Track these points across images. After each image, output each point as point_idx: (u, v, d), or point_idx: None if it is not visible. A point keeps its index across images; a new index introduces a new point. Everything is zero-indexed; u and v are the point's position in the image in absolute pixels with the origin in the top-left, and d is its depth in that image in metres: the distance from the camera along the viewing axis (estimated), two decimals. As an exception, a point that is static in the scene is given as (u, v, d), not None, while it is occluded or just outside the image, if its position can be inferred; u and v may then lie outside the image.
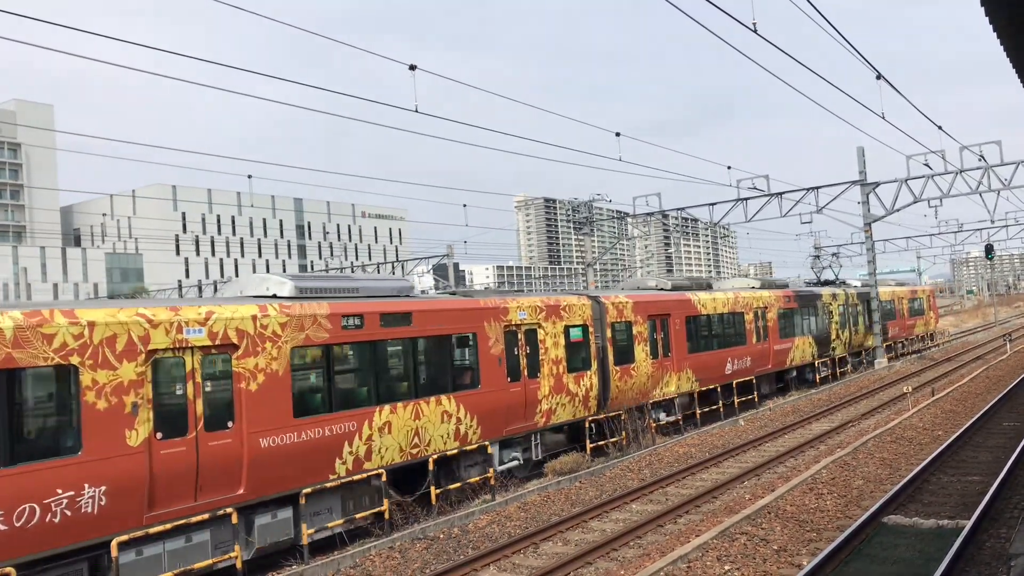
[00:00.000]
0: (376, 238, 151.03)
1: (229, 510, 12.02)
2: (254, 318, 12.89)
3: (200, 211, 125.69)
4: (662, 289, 26.51)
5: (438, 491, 15.69)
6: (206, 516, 11.79)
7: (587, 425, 20.27)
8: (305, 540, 13.13)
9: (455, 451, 16.16)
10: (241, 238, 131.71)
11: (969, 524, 11.70)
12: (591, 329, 20.58)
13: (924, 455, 17.91)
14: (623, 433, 21.05)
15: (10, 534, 9.78)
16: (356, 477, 14.10)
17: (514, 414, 17.91)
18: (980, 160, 37.56)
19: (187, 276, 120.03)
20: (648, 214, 48.13)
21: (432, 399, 15.84)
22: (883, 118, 24.78)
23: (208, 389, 12.20)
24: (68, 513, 10.27)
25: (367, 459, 14.35)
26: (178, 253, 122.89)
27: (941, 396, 26.53)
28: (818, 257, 49.53)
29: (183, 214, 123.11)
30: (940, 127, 31.28)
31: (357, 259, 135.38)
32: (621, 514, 15.28)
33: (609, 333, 21.19)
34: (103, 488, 10.63)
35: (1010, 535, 11.63)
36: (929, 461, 16.42)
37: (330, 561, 12.83)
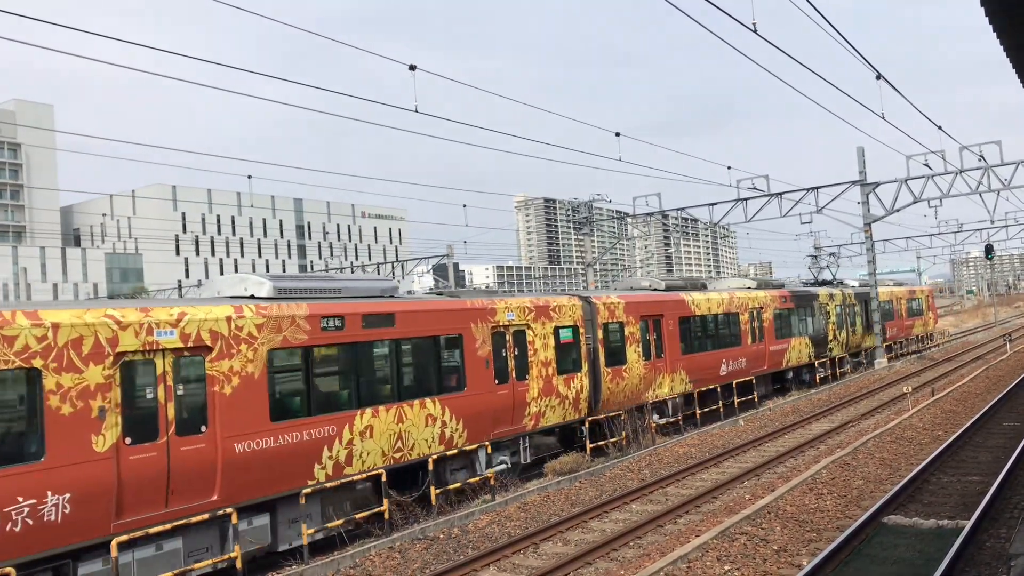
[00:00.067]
0: (376, 238, 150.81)
1: (204, 516, 11.71)
2: (229, 319, 12.56)
3: (200, 211, 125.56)
4: (655, 289, 26.18)
5: (438, 491, 15.59)
6: (178, 523, 11.47)
7: (586, 426, 20.08)
8: (305, 540, 13.02)
9: (440, 455, 15.85)
10: (241, 238, 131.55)
11: (969, 524, 11.66)
12: (582, 330, 20.25)
13: (924, 455, 17.82)
14: (623, 433, 20.86)
15: (-33, 544, 9.45)
16: (334, 483, 13.79)
17: (502, 417, 17.58)
18: (980, 160, 37.37)
19: (187, 276, 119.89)
20: (648, 214, 47.87)
21: (416, 402, 15.51)
22: (883, 118, 24.59)
23: (180, 392, 11.86)
24: (30, 522, 9.93)
25: (348, 464, 14.02)
26: (178, 253, 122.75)
27: (941, 396, 26.36)
28: (816, 257, 49.13)
29: (183, 214, 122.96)
30: (940, 127, 31.05)
31: (357, 259, 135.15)
32: (621, 514, 15.22)
33: (600, 334, 20.87)
34: (67, 495, 10.30)
35: (1010, 535, 11.58)
36: (929, 461, 16.35)
37: (330, 561, 12.74)
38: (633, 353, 22.02)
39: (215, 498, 11.99)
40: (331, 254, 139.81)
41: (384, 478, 14.50)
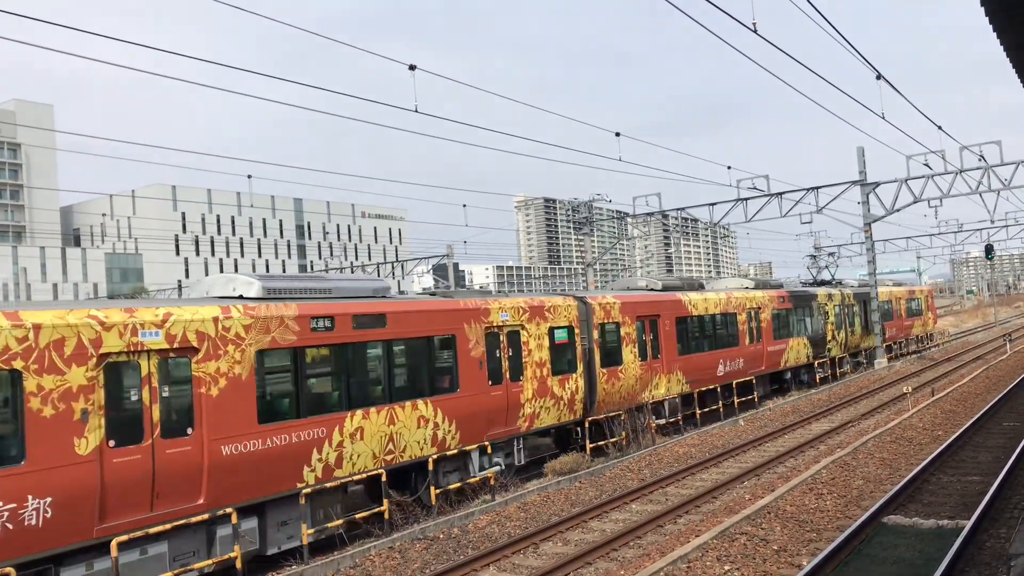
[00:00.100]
0: (376, 238, 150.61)
1: (191, 520, 11.54)
2: (216, 320, 12.38)
3: (200, 211, 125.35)
4: (652, 289, 26.01)
5: (437, 491, 15.51)
6: (166, 527, 11.30)
7: (585, 426, 19.96)
8: (305, 540, 12.92)
9: (432, 456, 15.68)
10: (241, 238, 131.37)
11: (969, 524, 11.64)
12: (577, 331, 20.08)
13: (924, 455, 17.76)
14: (623, 433, 20.75)
15: (-55, 549, 9.30)
16: (329, 484, 13.62)
17: (495, 418, 17.41)
18: (980, 160, 37.22)
19: (187, 276, 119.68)
20: (648, 214, 47.72)
21: (408, 404, 15.34)
22: (883, 118, 24.47)
23: (166, 394, 11.69)
24: (9, 526, 9.76)
25: (338, 466, 13.85)
26: (178, 253, 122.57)
27: (941, 396, 26.25)
28: (815, 257, 48.94)
29: (183, 214, 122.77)
30: (940, 127, 30.89)
31: (357, 259, 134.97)
32: (621, 514, 15.17)
33: (596, 335, 20.70)
34: (49, 499, 10.13)
35: (1010, 535, 11.55)
36: (929, 461, 16.30)
37: (330, 561, 12.67)
38: (629, 354, 21.84)
39: (201, 501, 11.83)
40: (331, 254, 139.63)
41: (384, 478, 14.41)
